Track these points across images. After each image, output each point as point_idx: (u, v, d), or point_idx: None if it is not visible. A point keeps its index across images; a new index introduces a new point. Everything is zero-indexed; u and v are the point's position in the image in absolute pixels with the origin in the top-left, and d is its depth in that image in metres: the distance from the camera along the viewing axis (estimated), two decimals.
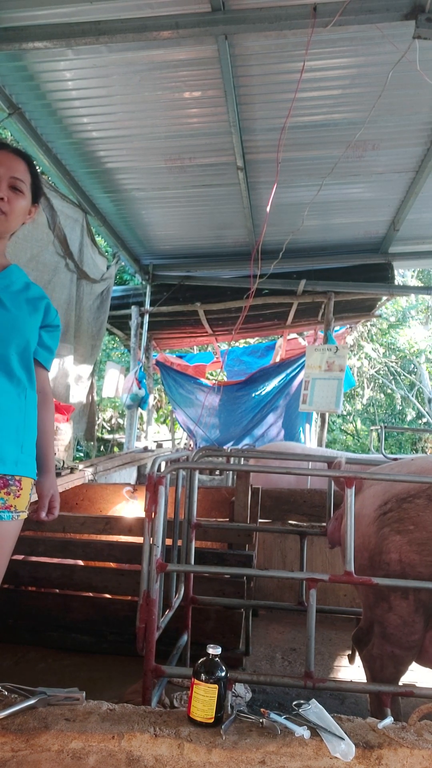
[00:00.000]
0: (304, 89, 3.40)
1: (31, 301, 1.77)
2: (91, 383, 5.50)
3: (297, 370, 7.47)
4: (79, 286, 4.95)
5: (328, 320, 6.68)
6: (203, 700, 1.52)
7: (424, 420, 13.89)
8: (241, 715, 1.57)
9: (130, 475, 5.75)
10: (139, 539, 3.01)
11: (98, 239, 5.64)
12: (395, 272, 6.57)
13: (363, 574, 2.10)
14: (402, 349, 14.26)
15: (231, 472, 4.30)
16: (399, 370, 14.62)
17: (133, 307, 6.96)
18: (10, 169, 1.68)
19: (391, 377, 14.81)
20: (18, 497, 1.64)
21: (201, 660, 1.58)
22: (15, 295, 1.75)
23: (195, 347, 12.01)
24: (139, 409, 7.23)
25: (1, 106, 3.70)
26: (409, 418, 14.29)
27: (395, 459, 3.39)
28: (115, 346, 12.12)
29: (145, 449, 6.37)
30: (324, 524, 3.04)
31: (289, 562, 3.81)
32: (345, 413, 14.68)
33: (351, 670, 2.83)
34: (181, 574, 2.59)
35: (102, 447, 11.66)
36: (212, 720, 1.51)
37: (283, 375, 7.63)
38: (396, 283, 6.78)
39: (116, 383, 7.88)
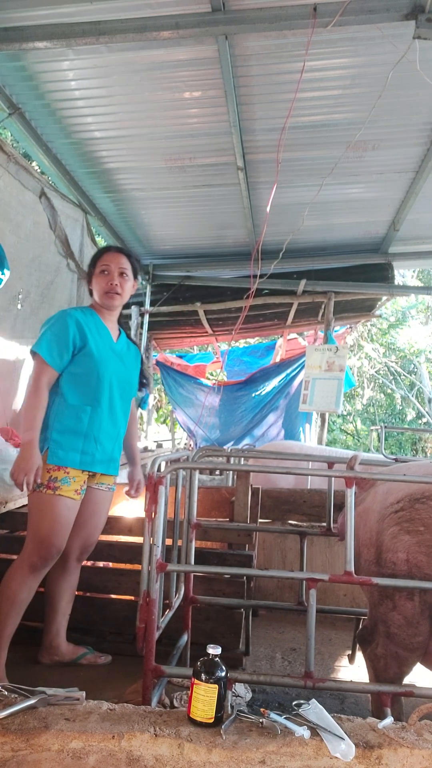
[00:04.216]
0: (304, 89, 3.40)
1: (134, 358, 2.69)
2: None
3: (297, 370, 7.47)
4: (79, 287, 4.95)
5: (328, 320, 6.68)
6: (203, 700, 1.52)
7: (424, 420, 13.89)
8: (241, 715, 1.57)
9: None
10: (139, 539, 3.01)
11: (98, 239, 5.64)
12: (395, 272, 6.56)
13: (368, 570, 2.10)
14: (402, 349, 14.26)
15: (231, 472, 4.30)
16: (399, 370, 14.62)
17: (133, 307, 6.95)
18: (118, 262, 2.55)
19: (391, 377, 14.81)
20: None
21: (201, 660, 1.58)
22: (128, 357, 2.64)
23: (195, 347, 12.00)
24: (139, 409, 7.22)
25: (2, 106, 3.70)
26: (409, 418, 14.29)
27: (395, 459, 3.39)
28: None
29: (145, 449, 6.37)
30: (324, 524, 3.04)
31: (289, 562, 3.81)
32: (345, 413, 14.68)
33: (351, 670, 2.83)
34: (181, 574, 2.59)
35: None
36: (212, 720, 1.51)
37: (283, 375, 7.63)
38: (396, 283, 6.78)
39: None
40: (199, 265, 6.63)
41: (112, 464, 2.58)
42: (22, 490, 2.29)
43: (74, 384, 2.42)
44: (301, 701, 1.60)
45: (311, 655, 1.91)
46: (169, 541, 2.48)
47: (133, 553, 3.00)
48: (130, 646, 2.50)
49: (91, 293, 2.65)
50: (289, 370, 7.61)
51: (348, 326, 8.77)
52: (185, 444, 9.76)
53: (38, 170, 4.50)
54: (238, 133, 3.98)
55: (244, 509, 3.24)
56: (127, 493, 2.77)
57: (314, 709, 1.56)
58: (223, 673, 1.56)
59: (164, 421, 12.88)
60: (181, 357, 9.80)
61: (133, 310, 6.93)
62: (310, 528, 3.18)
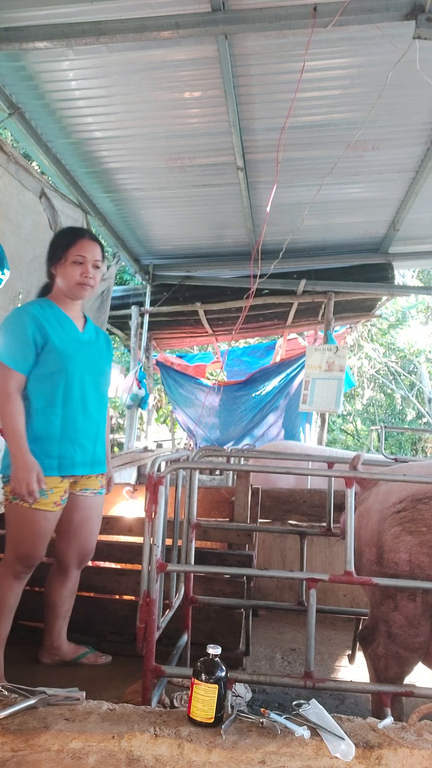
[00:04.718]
0: (304, 89, 3.40)
1: (105, 345, 2.54)
2: None
3: (297, 370, 7.47)
4: None
5: (328, 320, 6.68)
6: (203, 700, 1.52)
7: (424, 420, 13.89)
8: (241, 715, 1.57)
9: (130, 475, 5.74)
10: (139, 539, 3.01)
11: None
12: (395, 272, 6.57)
13: (370, 570, 2.10)
14: (402, 349, 14.26)
15: (231, 472, 4.30)
16: (399, 370, 14.62)
17: (133, 307, 6.95)
18: (93, 254, 2.36)
19: (391, 377, 14.80)
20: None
21: (201, 660, 1.58)
22: (98, 345, 2.48)
23: (195, 347, 12.00)
24: (139, 409, 7.23)
25: (1, 106, 3.70)
26: (409, 418, 14.28)
27: (395, 459, 3.39)
28: (115, 346, 12.06)
29: (145, 449, 6.37)
30: (324, 524, 3.04)
31: (289, 562, 3.81)
32: (345, 413, 14.68)
33: (351, 670, 2.83)
34: (181, 574, 2.59)
35: None
36: (212, 720, 1.51)
37: (283, 375, 7.63)
38: (396, 283, 6.78)
39: (116, 383, 7.88)
40: (199, 265, 6.63)
41: (96, 465, 2.45)
42: (30, 503, 2.20)
43: (40, 386, 2.27)
44: (301, 701, 1.60)
45: (311, 655, 1.91)
46: (169, 541, 2.48)
47: (133, 553, 3.00)
48: (130, 646, 2.50)
49: (51, 278, 2.42)
50: (289, 370, 7.61)
51: (348, 326, 8.77)
52: (185, 444, 9.76)
53: (38, 170, 4.49)
54: (238, 133, 3.98)
55: (244, 509, 3.24)
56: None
57: (314, 709, 1.56)
58: (223, 673, 1.56)
59: (164, 421, 12.89)
60: (181, 357, 9.80)
61: (133, 310, 6.94)
62: (310, 528, 3.18)
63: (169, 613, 2.34)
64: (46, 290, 2.47)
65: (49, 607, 2.55)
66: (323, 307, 6.83)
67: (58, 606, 2.54)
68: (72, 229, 2.58)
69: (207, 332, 7.70)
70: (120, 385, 7.61)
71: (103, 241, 6.52)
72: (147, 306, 6.76)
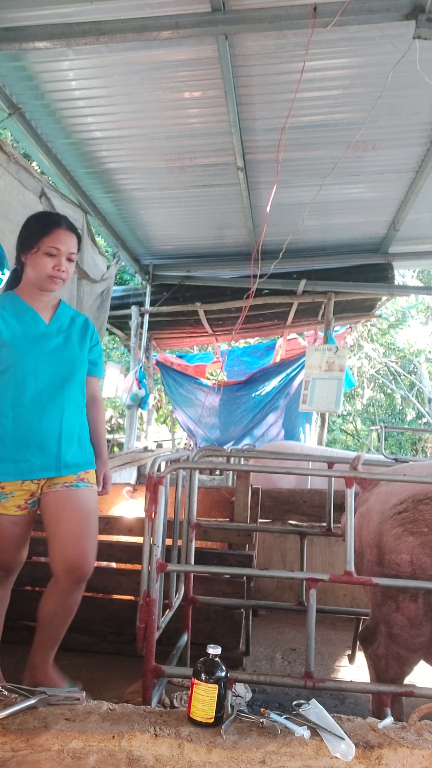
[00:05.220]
0: (304, 89, 3.40)
1: (80, 331, 2.27)
2: None
3: (297, 370, 7.47)
4: (79, 286, 4.95)
5: (328, 320, 6.68)
6: (203, 700, 1.52)
7: (424, 420, 13.88)
8: (241, 715, 1.57)
9: (130, 475, 5.75)
10: (139, 539, 3.01)
11: (98, 239, 5.64)
12: (395, 272, 6.57)
13: (371, 570, 2.10)
14: (402, 349, 14.26)
15: (231, 472, 4.30)
16: (399, 370, 14.62)
17: (133, 307, 6.95)
18: (68, 246, 2.15)
19: (391, 377, 14.80)
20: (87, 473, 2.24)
21: (201, 660, 1.58)
22: (72, 333, 2.24)
23: (195, 347, 12.00)
24: (139, 409, 7.23)
25: (2, 106, 3.70)
26: (409, 418, 14.28)
27: (395, 459, 3.39)
28: (115, 346, 12.12)
29: (145, 449, 6.37)
30: (324, 524, 3.04)
31: (289, 562, 3.81)
32: (345, 413, 14.68)
33: (351, 670, 2.83)
34: (181, 574, 2.59)
35: None
36: (212, 720, 1.51)
37: (283, 375, 7.63)
38: (396, 283, 6.79)
39: (116, 383, 7.88)
40: (199, 265, 6.64)
41: (65, 467, 2.14)
42: None
43: None
44: (301, 701, 1.60)
45: (311, 655, 1.91)
46: (169, 541, 2.48)
47: (133, 553, 3.00)
48: (130, 646, 2.50)
49: (21, 265, 2.21)
50: (289, 370, 7.61)
51: (348, 326, 8.77)
52: (185, 444, 9.76)
53: (38, 170, 4.50)
54: (238, 133, 3.98)
55: (244, 509, 3.24)
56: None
57: (314, 709, 1.56)
58: (223, 673, 1.56)
59: (164, 421, 12.89)
60: (181, 357, 9.80)
61: (133, 310, 6.94)
62: (310, 528, 3.18)
63: (169, 613, 2.34)
64: (15, 277, 2.27)
65: (38, 621, 2.22)
66: (323, 307, 6.83)
67: (41, 620, 2.20)
68: (47, 216, 2.31)
69: (207, 332, 7.70)
70: (120, 385, 7.61)
71: (103, 241, 6.52)
72: (147, 306, 6.76)
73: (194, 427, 7.95)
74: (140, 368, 6.81)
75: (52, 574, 2.17)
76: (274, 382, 7.66)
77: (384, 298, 7.09)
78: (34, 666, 2.19)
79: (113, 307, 6.09)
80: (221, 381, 8.31)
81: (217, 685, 1.53)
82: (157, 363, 8.27)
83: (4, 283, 3.37)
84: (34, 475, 2.09)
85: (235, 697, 2.40)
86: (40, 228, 2.14)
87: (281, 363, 7.90)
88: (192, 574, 2.68)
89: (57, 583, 2.15)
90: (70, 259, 2.16)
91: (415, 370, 14.51)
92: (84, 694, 1.62)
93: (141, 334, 7.01)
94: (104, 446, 2.37)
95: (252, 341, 11.38)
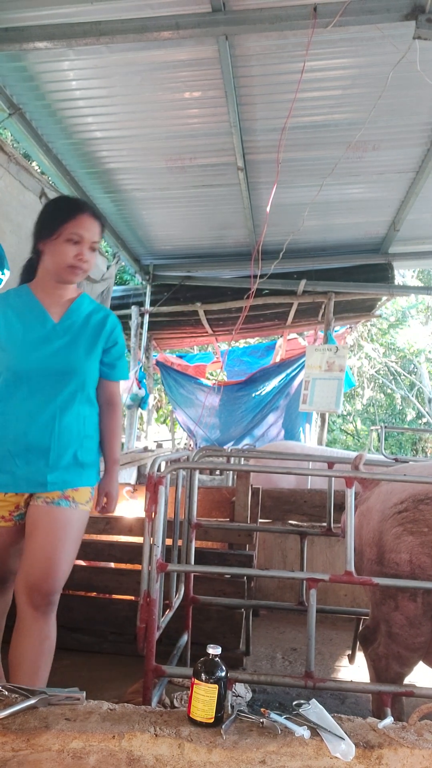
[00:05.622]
0: (304, 90, 3.41)
1: (93, 334, 2.04)
2: None
3: (297, 370, 7.47)
4: (79, 286, 4.95)
5: (328, 320, 6.68)
6: (203, 700, 1.52)
7: (424, 420, 13.89)
8: (242, 715, 1.57)
9: (130, 475, 5.75)
10: (139, 539, 3.01)
11: None
12: (395, 272, 6.57)
13: (371, 569, 2.10)
14: (402, 349, 14.26)
15: (231, 472, 4.30)
16: (399, 370, 14.62)
17: (133, 307, 6.95)
18: (93, 233, 1.97)
19: (391, 377, 14.80)
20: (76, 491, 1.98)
21: (201, 660, 1.58)
22: (85, 331, 2.03)
23: (195, 347, 12.00)
24: (139, 409, 7.23)
25: (2, 107, 3.70)
26: (409, 418, 14.28)
27: (395, 459, 3.39)
28: None
29: (145, 449, 6.37)
30: (324, 524, 3.04)
31: (289, 562, 3.82)
32: (345, 413, 14.68)
33: (351, 670, 2.83)
34: (181, 574, 2.59)
35: None
36: (212, 720, 1.51)
37: (283, 375, 7.63)
38: (396, 283, 6.79)
39: None
40: (199, 265, 6.64)
41: (53, 484, 1.92)
42: None
43: None
44: (302, 701, 1.60)
45: (311, 655, 1.91)
46: (169, 541, 2.48)
47: (133, 553, 3.01)
48: (131, 646, 2.50)
49: (37, 255, 2.03)
50: (289, 370, 7.61)
51: (348, 326, 8.77)
52: (185, 444, 9.76)
53: (39, 170, 4.50)
54: (239, 134, 3.98)
55: (244, 509, 3.24)
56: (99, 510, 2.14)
57: (314, 709, 1.56)
58: (224, 673, 1.56)
59: (164, 421, 12.89)
60: (181, 357, 9.80)
61: (133, 310, 6.94)
62: (311, 528, 3.18)
63: (170, 613, 2.35)
64: (29, 268, 2.10)
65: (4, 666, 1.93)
66: (323, 307, 6.83)
67: (10, 668, 1.90)
68: (71, 200, 2.14)
69: (207, 332, 7.70)
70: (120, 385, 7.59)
71: (103, 242, 6.53)
72: (147, 306, 6.76)
73: (194, 427, 7.95)
74: (140, 368, 6.81)
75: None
76: (274, 382, 7.66)
77: (384, 298, 7.09)
78: None
79: (113, 307, 6.10)
80: (221, 381, 8.31)
81: (217, 685, 1.53)
82: (157, 363, 8.27)
83: (4, 282, 3.38)
84: (16, 488, 1.92)
85: (235, 697, 2.41)
86: (63, 213, 1.95)
87: (281, 363, 7.90)
88: (192, 574, 2.68)
89: (19, 611, 1.90)
90: (93, 249, 1.98)
91: (415, 370, 14.51)
92: (84, 694, 1.62)
93: (141, 334, 7.01)
94: (114, 460, 2.12)
95: (252, 341, 11.38)
